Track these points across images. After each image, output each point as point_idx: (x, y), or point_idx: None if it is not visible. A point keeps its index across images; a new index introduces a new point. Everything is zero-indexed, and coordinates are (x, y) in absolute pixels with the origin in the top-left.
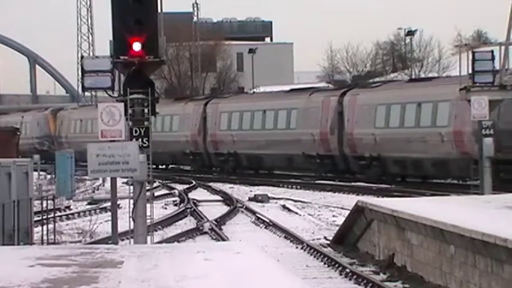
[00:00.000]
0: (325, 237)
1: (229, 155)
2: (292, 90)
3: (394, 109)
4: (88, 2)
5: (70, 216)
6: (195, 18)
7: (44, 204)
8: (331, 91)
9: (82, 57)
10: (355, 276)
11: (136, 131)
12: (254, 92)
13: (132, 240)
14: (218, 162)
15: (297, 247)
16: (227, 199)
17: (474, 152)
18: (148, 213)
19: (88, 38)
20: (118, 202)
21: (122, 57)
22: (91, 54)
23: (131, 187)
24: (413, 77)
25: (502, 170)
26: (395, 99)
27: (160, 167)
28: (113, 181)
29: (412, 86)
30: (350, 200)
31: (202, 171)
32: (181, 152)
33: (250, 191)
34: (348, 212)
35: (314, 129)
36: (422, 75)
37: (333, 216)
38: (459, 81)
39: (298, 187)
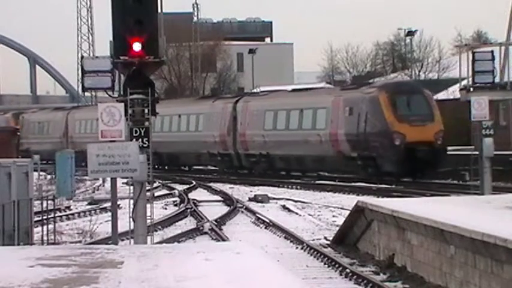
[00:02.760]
0: (325, 238)
1: (154, 154)
2: (201, 97)
3: (280, 114)
4: (88, 2)
5: (70, 216)
6: (195, 19)
7: (44, 205)
8: (229, 98)
9: (82, 57)
10: (355, 277)
11: (136, 131)
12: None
13: (132, 240)
14: None
15: (297, 247)
16: (227, 199)
17: (346, 151)
18: (148, 214)
19: (88, 38)
20: (118, 202)
21: (122, 58)
22: (91, 54)
23: (131, 187)
24: (413, 77)
25: (369, 166)
26: (282, 106)
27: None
28: (113, 181)
29: (295, 95)
30: (350, 200)
31: None
32: None
33: (250, 191)
34: (348, 212)
35: (215, 131)
36: (423, 76)
37: (333, 216)
38: (333, 92)
39: (298, 187)
